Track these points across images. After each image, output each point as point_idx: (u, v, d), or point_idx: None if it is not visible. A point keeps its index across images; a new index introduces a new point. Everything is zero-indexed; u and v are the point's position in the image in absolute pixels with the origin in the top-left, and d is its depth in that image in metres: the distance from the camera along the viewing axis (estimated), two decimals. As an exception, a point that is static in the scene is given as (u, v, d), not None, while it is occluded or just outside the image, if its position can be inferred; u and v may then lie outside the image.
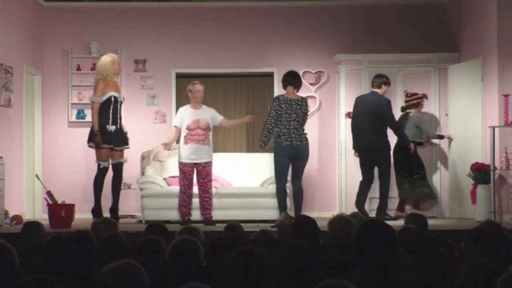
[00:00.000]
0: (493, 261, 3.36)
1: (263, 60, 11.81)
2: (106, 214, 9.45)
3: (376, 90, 10.00)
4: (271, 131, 9.24)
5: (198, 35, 11.80)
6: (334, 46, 11.64)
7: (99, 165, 9.27)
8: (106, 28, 11.81)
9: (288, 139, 9.16)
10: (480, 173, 9.67)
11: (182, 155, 9.37)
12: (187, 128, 9.39)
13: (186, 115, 9.42)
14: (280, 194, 9.31)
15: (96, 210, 9.35)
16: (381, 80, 10.02)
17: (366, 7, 11.83)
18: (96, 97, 9.17)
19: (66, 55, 11.74)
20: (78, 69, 11.76)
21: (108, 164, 9.29)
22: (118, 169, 9.36)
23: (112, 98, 9.17)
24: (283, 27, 11.82)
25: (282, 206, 9.29)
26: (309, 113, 9.78)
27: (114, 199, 9.40)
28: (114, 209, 9.37)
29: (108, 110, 9.16)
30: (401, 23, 11.74)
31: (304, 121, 9.37)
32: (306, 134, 9.33)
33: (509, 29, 9.68)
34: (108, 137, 9.16)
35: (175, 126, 9.53)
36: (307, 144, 9.28)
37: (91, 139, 9.21)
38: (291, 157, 9.23)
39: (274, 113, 9.20)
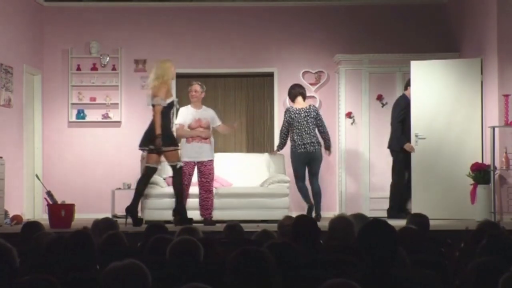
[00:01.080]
0: (497, 260, 3.36)
1: (263, 60, 11.81)
2: (106, 214, 9.44)
3: (404, 92, 10.60)
4: (284, 138, 10.10)
5: (198, 35, 11.80)
6: (334, 46, 11.64)
7: (175, 165, 9.04)
8: (106, 28, 11.81)
9: (303, 147, 9.88)
10: (480, 173, 9.67)
11: (184, 154, 9.36)
12: (189, 127, 9.45)
13: (187, 114, 9.45)
14: (302, 191, 10.00)
15: (182, 210, 9.14)
16: (407, 82, 10.61)
17: (366, 7, 11.83)
18: (162, 100, 8.93)
19: (66, 55, 11.75)
20: (78, 69, 11.77)
21: (183, 163, 9.19)
22: (177, 170, 9.21)
23: (174, 103, 9.18)
24: (283, 27, 11.82)
25: (306, 200, 9.99)
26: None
27: (179, 200, 9.17)
28: (180, 209, 9.14)
29: (169, 114, 9.07)
30: (401, 23, 11.74)
31: (317, 125, 9.99)
32: (318, 138, 9.99)
33: (509, 29, 9.67)
34: (174, 140, 9.10)
35: (180, 124, 9.45)
36: (320, 147, 9.98)
37: (150, 142, 8.96)
38: (307, 162, 9.95)
39: (286, 124, 10.01)
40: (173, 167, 9.13)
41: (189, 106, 9.62)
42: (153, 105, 9.02)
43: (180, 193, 9.14)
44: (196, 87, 9.53)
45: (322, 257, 4.32)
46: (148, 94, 9.25)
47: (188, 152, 9.35)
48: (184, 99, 10.94)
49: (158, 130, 8.88)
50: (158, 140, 8.88)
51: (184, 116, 9.47)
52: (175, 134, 9.44)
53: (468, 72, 10.34)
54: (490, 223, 5.49)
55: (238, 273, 2.91)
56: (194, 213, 9.46)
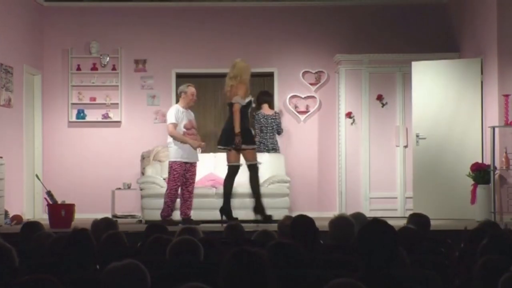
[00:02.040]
0: (505, 258, 3.35)
1: (263, 60, 11.80)
2: (106, 214, 9.43)
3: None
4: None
5: (198, 35, 11.80)
6: (334, 46, 11.64)
7: (254, 164, 9.10)
8: (106, 28, 11.81)
9: (266, 148, 10.90)
10: (480, 173, 9.66)
11: (179, 155, 9.27)
12: (185, 127, 9.37)
13: (181, 115, 9.39)
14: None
15: (227, 210, 9.20)
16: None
17: (365, 7, 11.83)
18: (240, 99, 9.05)
19: (66, 55, 11.75)
20: (78, 69, 11.77)
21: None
22: (256, 169, 9.27)
23: (251, 102, 9.31)
24: (283, 27, 11.82)
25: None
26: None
27: (255, 196, 9.24)
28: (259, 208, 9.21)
29: (247, 113, 9.20)
30: (401, 23, 11.74)
31: (279, 130, 11.16)
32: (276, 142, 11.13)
33: (509, 29, 9.67)
34: (253, 138, 9.20)
35: (173, 123, 9.36)
36: (278, 149, 11.12)
37: (230, 141, 9.03)
38: None
39: (258, 126, 11.03)
40: (252, 166, 9.17)
41: (178, 106, 9.49)
42: (231, 104, 9.06)
43: (258, 192, 9.20)
44: (195, 90, 9.47)
45: (322, 257, 4.31)
46: (226, 95, 9.30)
47: (185, 153, 9.29)
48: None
49: (238, 129, 9.01)
50: (238, 138, 9.00)
51: (178, 116, 9.37)
52: (168, 133, 9.39)
53: (468, 72, 10.35)
54: (490, 223, 5.49)
55: (234, 273, 2.90)
56: (195, 213, 9.46)
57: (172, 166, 9.33)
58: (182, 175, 9.31)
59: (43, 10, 11.77)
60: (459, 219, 9.90)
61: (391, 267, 3.31)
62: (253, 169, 9.21)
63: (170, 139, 9.40)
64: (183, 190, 9.34)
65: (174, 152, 9.33)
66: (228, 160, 9.23)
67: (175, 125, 9.33)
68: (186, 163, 9.30)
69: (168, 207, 9.29)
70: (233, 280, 2.88)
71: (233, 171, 9.23)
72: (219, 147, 9.28)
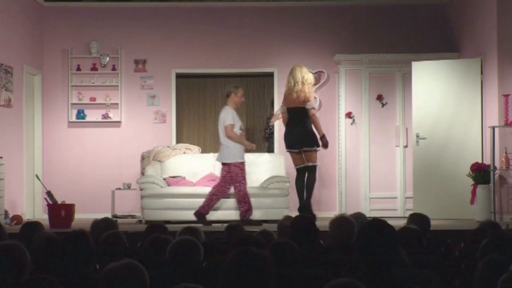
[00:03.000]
0: (505, 258, 3.36)
1: (263, 60, 11.81)
2: (106, 214, 9.41)
3: None
4: None
5: (198, 35, 11.80)
6: (334, 46, 11.64)
7: (315, 166, 9.66)
8: (106, 28, 11.81)
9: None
10: (480, 173, 9.67)
11: (241, 154, 9.37)
12: (240, 129, 9.41)
13: (236, 117, 9.42)
14: None
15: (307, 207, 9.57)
16: None
17: (366, 7, 11.83)
18: (314, 104, 9.67)
19: (66, 55, 11.74)
20: (78, 69, 11.76)
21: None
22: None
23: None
24: (283, 27, 11.82)
25: None
26: None
27: (308, 196, 9.73)
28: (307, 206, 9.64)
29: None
30: (401, 23, 11.74)
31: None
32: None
33: (509, 29, 9.68)
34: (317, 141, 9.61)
35: (231, 124, 9.35)
36: None
37: (316, 142, 9.59)
38: None
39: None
40: (313, 167, 9.62)
41: (230, 107, 9.45)
42: (301, 108, 9.47)
43: (311, 192, 9.71)
44: (243, 91, 9.62)
45: (322, 257, 4.31)
46: (291, 99, 9.56)
47: (241, 153, 9.35)
48: (183, 99, 10.89)
49: (322, 131, 9.61)
50: (325, 139, 9.63)
51: (234, 117, 9.40)
52: (226, 133, 9.32)
53: (468, 72, 10.35)
54: (491, 223, 5.49)
55: (237, 273, 2.90)
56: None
57: (239, 166, 9.33)
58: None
59: (43, 10, 11.77)
60: (459, 219, 9.90)
61: (391, 267, 3.31)
62: (311, 169, 9.65)
63: (227, 140, 9.38)
64: (218, 188, 9.35)
65: (237, 153, 9.36)
66: (299, 162, 9.57)
67: (233, 126, 9.36)
68: (242, 163, 9.38)
69: (249, 206, 9.30)
70: (235, 280, 2.88)
71: (303, 172, 9.66)
72: (305, 148, 9.56)
